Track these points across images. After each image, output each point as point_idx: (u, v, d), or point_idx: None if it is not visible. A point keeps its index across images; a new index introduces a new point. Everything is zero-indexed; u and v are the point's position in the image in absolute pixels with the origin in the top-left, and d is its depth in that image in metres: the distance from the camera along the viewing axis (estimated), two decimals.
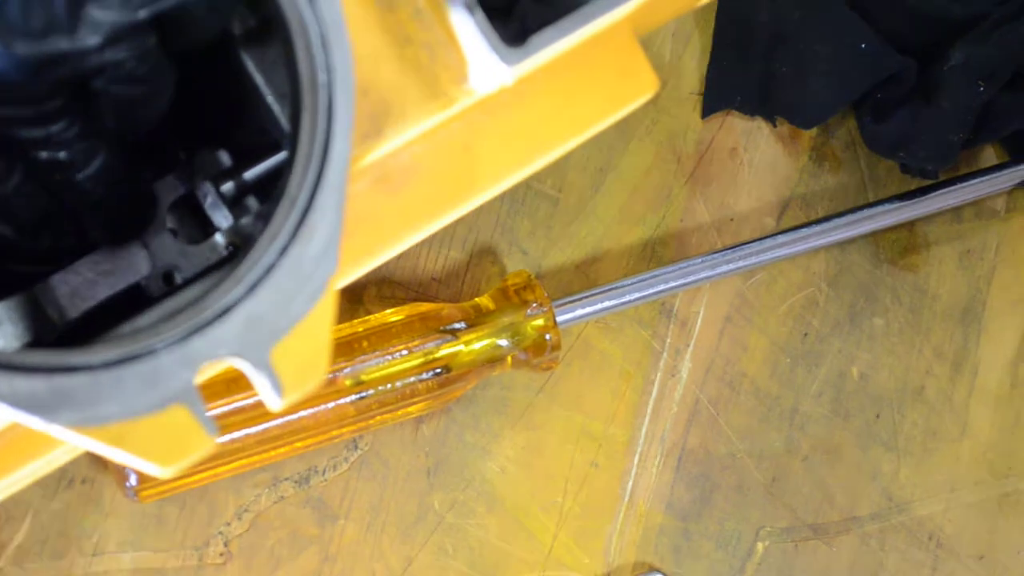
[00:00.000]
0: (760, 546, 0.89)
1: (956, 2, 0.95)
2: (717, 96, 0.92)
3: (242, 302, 0.51)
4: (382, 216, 0.61)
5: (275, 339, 0.51)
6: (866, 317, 0.94)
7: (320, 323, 0.52)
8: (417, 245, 0.84)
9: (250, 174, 0.57)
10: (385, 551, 0.82)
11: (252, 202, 0.58)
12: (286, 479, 0.81)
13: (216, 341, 0.51)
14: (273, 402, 0.52)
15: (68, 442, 0.49)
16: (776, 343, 0.92)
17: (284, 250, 0.52)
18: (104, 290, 0.56)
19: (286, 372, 0.51)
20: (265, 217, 0.52)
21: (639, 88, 0.66)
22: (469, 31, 0.55)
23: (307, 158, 0.52)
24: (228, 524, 0.80)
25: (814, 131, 0.95)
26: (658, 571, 0.86)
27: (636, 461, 0.88)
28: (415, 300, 0.84)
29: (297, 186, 0.52)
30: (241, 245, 0.52)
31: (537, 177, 0.87)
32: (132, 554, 0.78)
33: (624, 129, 0.90)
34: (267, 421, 0.76)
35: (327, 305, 0.52)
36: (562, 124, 0.65)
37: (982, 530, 0.95)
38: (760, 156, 0.93)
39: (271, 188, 0.53)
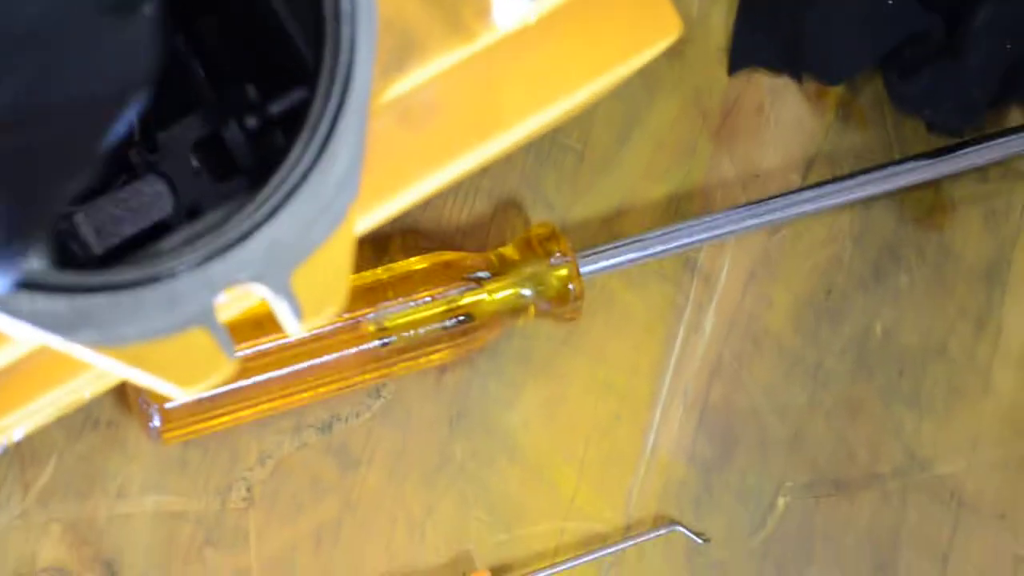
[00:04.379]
0: (781, 501, 0.90)
1: None
2: (744, 52, 0.92)
3: (263, 227, 0.52)
4: (405, 153, 0.62)
5: (295, 264, 0.52)
6: (890, 275, 0.94)
7: (340, 249, 0.52)
8: (442, 196, 0.84)
9: (275, 107, 0.58)
10: (406, 498, 0.83)
11: (278, 138, 0.58)
12: (309, 426, 0.82)
13: (236, 265, 0.51)
14: (292, 326, 0.52)
15: (89, 363, 0.49)
16: (800, 299, 0.92)
17: (305, 176, 0.52)
18: (128, 227, 0.57)
19: (305, 297, 0.52)
20: (287, 145, 0.53)
21: (662, 31, 0.66)
22: None
23: (328, 86, 0.53)
24: (251, 470, 0.80)
25: (840, 89, 0.95)
26: (678, 524, 0.87)
27: (658, 414, 0.88)
28: (440, 250, 0.84)
29: (318, 113, 0.53)
30: (264, 175, 0.53)
31: (562, 130, 0.87)
32: (155, 497, 0.79)
33: (650, 84, 0.90)
34: (291, 365, 0.77)
35: (347, 232, 0.53)
36: (584, 65, 0.65)
37: (1004, 489, 0.95)
38: (786, 113, 0.93)
39: (297, 122, 0.54)
